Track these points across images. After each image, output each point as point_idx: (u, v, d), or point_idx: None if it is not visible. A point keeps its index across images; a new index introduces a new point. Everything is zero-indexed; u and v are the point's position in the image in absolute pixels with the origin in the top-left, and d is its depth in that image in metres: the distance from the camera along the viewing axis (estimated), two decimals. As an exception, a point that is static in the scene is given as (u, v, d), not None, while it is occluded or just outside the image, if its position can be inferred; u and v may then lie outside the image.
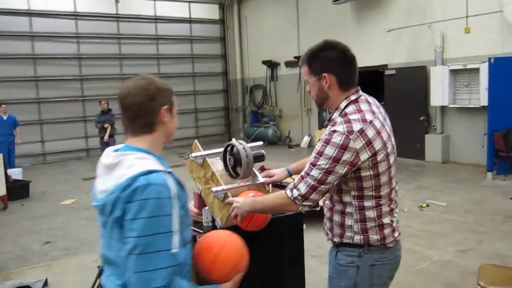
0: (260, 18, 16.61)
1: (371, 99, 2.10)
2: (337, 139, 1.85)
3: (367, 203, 1.97)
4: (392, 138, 2.05)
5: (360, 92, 2.07)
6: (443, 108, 10.66)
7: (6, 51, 13.51)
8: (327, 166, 1.86)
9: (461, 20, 9.91)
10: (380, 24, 11.88)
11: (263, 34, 16.41)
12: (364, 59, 12.33)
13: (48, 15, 14.13)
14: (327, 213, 2.13)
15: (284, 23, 15.28)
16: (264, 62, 15.92)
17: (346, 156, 1.84)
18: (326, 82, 2.00)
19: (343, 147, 1.84)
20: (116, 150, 1.65)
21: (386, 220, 2.01)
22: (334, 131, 1.88)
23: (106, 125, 11.45)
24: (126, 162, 1.56)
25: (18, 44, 13.74)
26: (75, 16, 14.63)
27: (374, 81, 12.61)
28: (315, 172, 1.89)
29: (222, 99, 18.10)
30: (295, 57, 14.19)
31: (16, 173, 10.02)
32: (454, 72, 10.26)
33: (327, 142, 1.88)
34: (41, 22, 14.05)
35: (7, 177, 8.70)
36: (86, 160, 14.24)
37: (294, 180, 2.03)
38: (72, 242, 6.22)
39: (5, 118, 10.92)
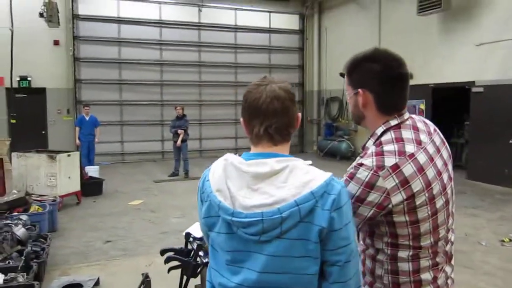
0: (341, 29, 16.23)
1: (421, 124, 1.70)
2: (362, 174, 1.51)
3: (402, 253, 1.59)
4: (446, 175, 1.65)
5: (406, 116, 1.67)
6: (537, 131, 9.63)
7: (95, 55, 14.41)
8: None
9: None
10: (470, 37, 11.03)
11: (343, 45, 15.99)
12: (449, 74, 11.59)
13: (135, 22, 14.87)
14: (361, 254, 1.75)
15: (365, 33, 14.78)
16: (341, 74, 15.37)
17: (373, 197, 1.50)
18: (362, 100, 1.66)
19: (369, 186, 1.50)
20: (257, 158, 1.43)
21: (425, 276, 1.61)
22: (361, 164, 1.54)
23: (179, 131, 11.73)
24: (298, 168, 1.38)
25: (106, 49, 14.60)
26: (160, 24, 15.25)
27: (459, 98, 11.79)
28: None
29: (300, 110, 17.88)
30: None
31: (93, 170, 10.57)
32: (552, 92, 9.24)
33: (351, 176, 1.55)
34: (128, 29, 14.83)
35: (82, 174, 9.17)
36: (160, 162, 14.72)
37: None
38: (131, 243, 6.33)
39: (87, 118, 11.59)
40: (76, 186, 8.63)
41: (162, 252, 2.63)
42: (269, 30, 16.97)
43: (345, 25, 15.96)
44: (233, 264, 1.41)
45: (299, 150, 17.55)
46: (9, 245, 4.80)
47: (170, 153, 13.66)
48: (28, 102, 13.74)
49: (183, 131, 11.81)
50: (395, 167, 1.50)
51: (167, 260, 2.53)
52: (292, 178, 1.36)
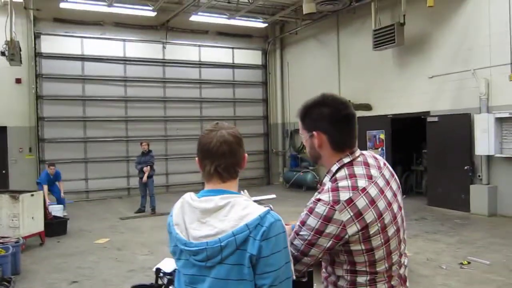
0: (302, 64, 16.81)
1: (372, 160, 1.88)
2: (320, 209, 1.68)
3: (360, 279, 1.75)
4: (396, 205, 1.83)
5: (357, 153, 1.85)
6: (489, 158, 10.17)
7: (59, 92, 14.31)
8: (309, 238, 1.69)
9: (506, 66, 9.59)
10: (423, 70, 11.71)
11: (305, 79, 16.55)
12: (406, 105, 12.17)
13: (99, 59, 14.93)
14: (323, 281, 1.92)
15: (326, 68, 15.38)
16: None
17: (330, 229, 1.66)
18: (317, 141, 1.83)
19: (327, 219, 1.66)
20: (207, 195, 1.67)
21: None
22: (319, 199, 1.70)
23: (145, 168, 11.69)
24: (238, 204, 1.61)
25: (70, 86, 14.53)
26: (124, 60, 15.37)
27: (416, 128, 12.34)
28: (297, 242, 1.73)
29: (263, 142, 18.17)
30: None
31: (57, 210, 10.35)
32: (500, 120, 9.85)
33: (310, 211, 1.71)
34: (93, 66, 14.85)
35: (46, 213, 8.98)
36: (126, 199, 14.53)
37: None
38: (98, 283, 6.23)
39: (52, 176, 11.21)
40: (39, 227, 8.43)
41: (133, 288, 2.69)
42: (233, 66, 17.35)
43: (306, 60, 16.56)
44: (189, 285, 1.66)
45: (265, 183, 17.73)
46: (-29, 290, 4.67)
47: (136, 189, 13.53)
48: (-12, 141, 13.42)
49: (148, 167, 11.79)
50: (349, 201, 1.67)
51: (138, 295, 2.60)
52: (233, 213, 1.59)
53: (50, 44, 14.29)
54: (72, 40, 14.58)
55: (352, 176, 1.74)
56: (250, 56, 17.77)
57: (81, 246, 8.35)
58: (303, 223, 1.72)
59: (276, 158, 18.07)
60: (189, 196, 1.71)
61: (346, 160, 1.81)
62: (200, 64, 16.67)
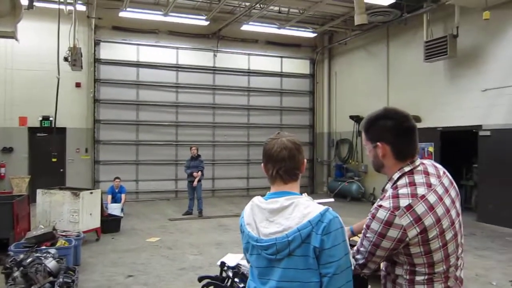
0: (350, 73, 16.84)
1: (432, 168, 2.03)
2: (381, 214, 1.87)
3: (418, 278, 1.91)
4: (454, 212, 1.98)
5: (418, 162, 2.02)
6: (544, 175, 9.85)
7: (114, 96, 15.04)
8: (374, 240, 1.89)
9: None
10: (475, 83, 11.48)
11: (352, 89, 16.56)
12: (457, 118, 11.96)
13: (153, 66, 15.57)
14: (382, 279, 2.11)
15: (374, 78, 15.34)
16: (351, 117, 15.93)
17: (392, 232, 1.85)
18: (381, 152, 2.02)
19: (388, 223, 1.85)
20: (273, 197, 1.92)
21: None
22: (380, 205, 1.89)
23: (195, 174, 12.07)
24: (301, 203, 1.86)
25: (125, 91, 15.24)
26: (177, 68, 15.94)
27: (466, 142, 12.08)
28: (366, 243, 1.94)
29: (308, 151, 18.25)
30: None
31: (114, 208, 10.99)
32: (557, 137, 9.53)
33: (373, 216, 1.91)
34: (147, 72, 15.52)
35: (102, 211, 9.49)
36: (174, 201, 15.00)
37: (358, 238, 2.07)
38: (152, 278, 6.56)
39: (117, 190, 11.87)
40: (96, 223, 8.93)
41: (200, 279, 2.93)
42: (281, 74, 17.59)
43: (355, 70, 16.57)
44: (261, 277, 1.92)
45: (309, 191, 17.76)
46: (42, 276, 5.08)
47: (184, 192, 13.96)
48: (48, 141, 14.20)
49: (199, 172, 12.16)
50: (409, 207, 1.85)
51: (206, 285, 2.83)
52: (296, 211, 1.84)
53: (108, 51, 15.06)
54: (128, 47, 15.30)
55: (412, 184, 1.92)
56: (298, 65, 17.96)
57: (134, 244, 8.77)
58: (368, 226, 1.92)
59: (321, 167, 18.10)
60: (257, 199, 1.98)
61: (407, 169, 1.99)
62: (249, 72, 17.02)
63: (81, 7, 13.30)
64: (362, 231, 1.98)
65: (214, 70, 16.49)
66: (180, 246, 8.61)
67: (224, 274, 2.94)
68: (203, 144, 15.39)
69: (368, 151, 2.11)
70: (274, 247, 1.83)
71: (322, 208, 1.84)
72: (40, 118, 14.13)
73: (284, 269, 1.83)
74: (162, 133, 15.79)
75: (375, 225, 1.88)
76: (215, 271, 3.41)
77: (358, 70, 16.36)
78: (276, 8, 14.55)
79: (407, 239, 1.83)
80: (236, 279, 2.76)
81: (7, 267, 5.34)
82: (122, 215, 10.94)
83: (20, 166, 13.95)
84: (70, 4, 11.94)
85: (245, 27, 15.22)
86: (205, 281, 2.90)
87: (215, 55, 16.39)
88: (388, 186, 2.02)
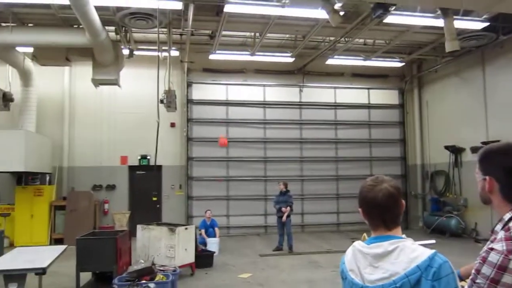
0: (443, 101, 16.06)
1: None
2: (494, 258, 1.69)
3: None
4: None
5: None
6: None
7: (206, 134, 15.72)
8: (485, 287, 1.70)
9: None
10: None
11: (446, 118, 15.75)
12: None
13: (242, 104, 16.11)
14: None
15: (470, 105, 14.48)
16: (446, 147, 15.10)
17: (506, 278, 1.66)
18: (488, 186, 1.88)
19: (502, 268, 1.67)
20: (376, 241, 1.88)
21: None
22: (492, 248, 1.73)
23: (283, 209, 12.08)
24: (406, 247, 1.81)
25: (216, 129, 15.88)
26: (264, 104, 16.34)
27: None
28: None
29: (400, 184, 17.49)
30: (482, 143, 13.17)
31: (213, 243, 11.41)
32: None
33: (483, 260, 1.73)
34: (235, 110, 16.09)
35: (196, 247, 9.78)
36: (263, 236, 15.06)
37: (466, 284, 1.91)
38: (246, 315, 6.57)
39: (208, 222, 12.26)
40: (191, 258, 9.22)
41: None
42: (369, 106, 17.27)
43: (447, 98, 15.79)
44: None
45: (404, 227, 16.85)
46: (143, 310, 5.31)
47: (273, 227, 13.99)
48: (146, 178, 15.12)
49: (288, 208, 12.15)
50: None
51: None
52: (402, 256, 1.77)
53: (200, 91, 15.90)
54: (218, 87, 16.03)
55: None
56: (386, 96, 17.54)
57: (227, 279, 8.89)
58: (477, 271, 1.75)
59: (415, 201, 17.19)
60: (358, 244, 1.94)
61: None
62: (336, 106, 16.94)
63: (175, 53, 14.26)
64: (471, 277, 1.80)
65: (300, 105, 16.64)
66: (271, 283, 8.57)
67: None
68: (291, 179, 15.40)
69: (478, 181, 1.97)
70: None
71: (430, 252, 1.76)
72: (139, 157, 15.14)
73: None
74: (251, 168, 16.10)
75: (486, 270, 1.70)
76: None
77: (451, 98, 15.56)
78: (361, 40, 14.47)
79: None
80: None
81: (112, 300, 5.67)
82: (217, 250, 11.18)
83: (121, 202, 14.94)
84: (165, 50, 12.90)
85: (330, 61, 15.27)
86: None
87: (301, 90, 16.58)
88: (498, 227, 1.85)
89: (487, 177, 1.88)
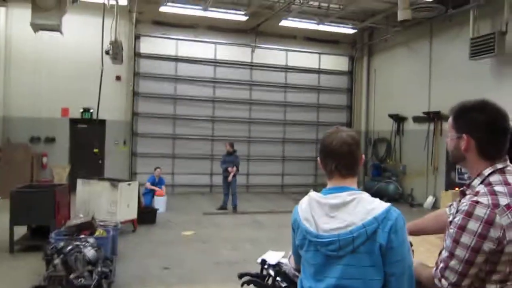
0: (390, 71, 16.43)
1: None
2: (481, 212, 1.65)
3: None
4: None
5: (508, 162, 1.83)
6: None
7: (153, 90, 15.24)
8: (473, 244, 1.66)
9: None
10: (524, 82, 10.97)
11: (392, 87, 16.16)
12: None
13: (192, 61, 15.68)
14: None
15: (415, 76, 14.91)
16: (390, 116, 15.57)
17: (493, 233, 1.63)
18: (464, 144, 1.85)
19: (489, 222, 1.64)
20: (333, 192, 1.87)
21: None
22: (477, 202, 1.68)
23: (230, 169, 12.08)
24: (364, 199, 1.82)
25: (163, 85, 15.42)
26: (215, 63, 16.00)
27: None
28: (460, 252, 1.69)
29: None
30: (424, 113, 13.70)
31: (161, 201, 11.41)
32: None
33: (468, 215, 1.68)
34: (185, 67, 15.65)
35: (140, 203, 9.62)
36: (208, 195, 15.07)
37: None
38: (187, 272, 6.59)
39: (157, 180, 12.05)
40: (133, 214, 9.06)
41: (240, 276, 2.86)
42: (319, 71, 17.36)
43: (395, 67, 16.16)
44: (317, 275, 1.86)
45: (344, 190, 17.49)
46: (81, 264, 5.16)
47: (218, 186, 14.00)
48: (88, 132, 14.52)
49: (235, 168, 12.16)
50: (508, 207, 1.65)
51: (247, 283, 2.76)
52: (360, 207, 1.79)
53: (148, 45, 15.27)
54: (168, 42, 15.46)
55: (507, 183, 1.74)
56: (336, 62, 17.68)
57: (170, 236, 8.85)
58: (462, 228, 1.68)
59: (357, 166, 17.77)
60: (315, 194, 1.93)
61: (500, 166, 1.80)
62: (287, 69, 16.89)
63: (123, 1, 13.48)
64: (451, 237, 1.73)
65: (251, 66, 16.45)
66: (214, 241, 8.62)
67: (264, 272, 2.86)
68: (239, 140, 15.38)
69: (450, 140, 1.93)
70: (337, 243, 1.78)
71: (386, 204, 1.81)
72: (81, 110, 14.48)
73: (345, 266, 1.79)
74: (198, 127, 15.89)
75: (473, 225, 1.65)
76: (250, 267, 3.34)
77: (399, 68, 15.94)
78: (316, 4, 14.34)
79: (505, 241, 1.63)
80: (278, 278, 2.68)
81: (48, 254, 5.46)
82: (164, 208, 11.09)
83: (61, 156, 14.34)
84: (112, -2, 12.15)
85: (283, 23, 15.07)
86: (245, 278, 2.83)
87: (253, 51, 16.35)
88: (476, 182, 1.82)
89: (464, 136, 1.85)
